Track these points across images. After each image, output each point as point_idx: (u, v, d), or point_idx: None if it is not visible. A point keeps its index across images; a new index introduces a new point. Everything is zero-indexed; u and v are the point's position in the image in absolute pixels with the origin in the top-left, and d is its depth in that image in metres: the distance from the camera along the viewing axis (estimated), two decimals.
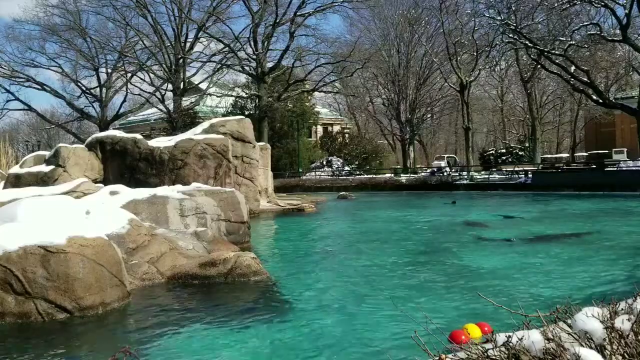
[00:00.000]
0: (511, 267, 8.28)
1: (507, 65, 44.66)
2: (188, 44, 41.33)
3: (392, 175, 37.51)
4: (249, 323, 5.65)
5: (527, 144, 42.57)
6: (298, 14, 37.44)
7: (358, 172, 39.70)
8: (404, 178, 34.13)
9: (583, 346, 2.38)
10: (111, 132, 17.55)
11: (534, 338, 2.42)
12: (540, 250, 9.62)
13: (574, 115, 46.21)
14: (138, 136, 16.28)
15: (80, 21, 41.26)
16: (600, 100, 28.43)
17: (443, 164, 37.98)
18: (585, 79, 27.79)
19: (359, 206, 21.94)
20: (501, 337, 2.53)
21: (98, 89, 43.47)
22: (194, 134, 16.85)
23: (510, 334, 2.50)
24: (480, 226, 13.47)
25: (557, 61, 28.72)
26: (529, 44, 28.39)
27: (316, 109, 47.33)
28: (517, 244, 10.46)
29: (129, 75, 42.87)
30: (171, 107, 40.37)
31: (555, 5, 26.72)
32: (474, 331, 3.66)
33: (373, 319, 5.65)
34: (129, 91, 43.64)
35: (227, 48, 38.88)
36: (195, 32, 40.89)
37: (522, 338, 2.42)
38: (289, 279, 7.93)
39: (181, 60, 40.13)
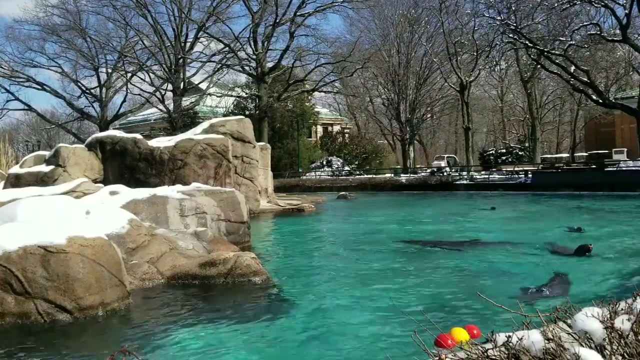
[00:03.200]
0: (512, 267, 8.28)
1: (507, 65, 44.68)
2: (188, 44, 41.33)
3: (392, 175, 37.50)
4: (248, 323, 5.65)
5: (527, 144, 42.59)
6: (298, 14, 37.44)
7: (358, 172, 39.70)
8: (403, 178, 34.12)
9: (583, 346, 2.38)
10: (111, 132, 17.56)
11: (533, 338, 2.42)
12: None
13: (573, 115, 46.22)
14: (138, 136, 16.28)
15: (80, 21, 41.29)
16: (600, 100, 28.44)
17: (443, 164, 37.99)
18: (585, 79, 27.80)
19: (359, 206, 21.94)
20: (501, 337, 2.53)
21: (98, 89, 43.47)
22: (194, 134, 16.85)
23: (510, 334, 2.50)
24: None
25: (557, 61, 28.73)
26: (529, 44, 28.39)
27: (316, 109, 47.34)
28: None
29: (129, 75, 42.87)
30: (171, 107, 40.37)
31: (555, 5, 26.73)
32: (462, 335, 3.62)
33: (373, 319, 5.65)
34: (129, 91, 43.67)
35: (227, 48, 38.89)
36: (195, 32, 40.93)
37: (522, 338, 2.42)
38: (289, 279, 7.93)
39: (181, 60, 40.12)
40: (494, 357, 2.50)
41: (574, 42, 27.57)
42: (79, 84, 43.21)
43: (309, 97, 44.76)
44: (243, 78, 42.97)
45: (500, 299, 4.82)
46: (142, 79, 43.04)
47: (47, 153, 16.68)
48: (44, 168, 15.01)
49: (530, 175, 28.30)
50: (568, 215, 15.43)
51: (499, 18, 29.34)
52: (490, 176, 32.00)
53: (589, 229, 11.97)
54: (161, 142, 16.06)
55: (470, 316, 5.51)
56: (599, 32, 26.43)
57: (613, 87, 38.72)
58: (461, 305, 6.05)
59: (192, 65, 42.70)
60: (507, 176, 31.09)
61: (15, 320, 5.61)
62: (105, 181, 14.48)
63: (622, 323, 2.49)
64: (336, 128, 52.44)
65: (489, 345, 2.60)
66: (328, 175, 38.80)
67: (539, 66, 33.87)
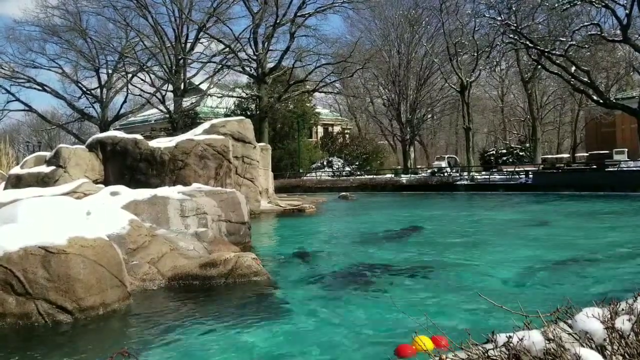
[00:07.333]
0: (514, 268, 8.27)
1: (508, 65, 44.72)
2: (188, 45, 41.37)
3: (393, 175, 37.51)
4: (249, 324, 5.65)
5: (527, 144, 42.56)
6: (298, 14, 37.48)
7: (358, 173, 39.70)
8: (404, 178, 34.13)
9: (583, 346, 2.38)
10: (112, 133, 17.54)
11: (534, 338, 2.42)
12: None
13: (574, 115, 46.21)
14: (139, 137, 16.27)
15: (81, 22, 41.37)
16: (601, 101, 28.42)
17: (444, 164, 37.98)
18: (586, 79, 27.79)
19: (360, 207, 21.94)
20: (502, 338, 2.53)
21: (98, 90, 43.54)
22: (195, 134, 16.85)
23: (511, 334, 2.50)
24: None
25: (557, 61, 28.73)
26: (530, 45, 28.39)
27: (317, 110, 47.37)
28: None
29: (130, 76, 42.92)
30: (172, 107, 40.40)
31: (556, 5, 26.72)
32: (425, 343, 3.55)
33: (373, 320, 5.64)
34: (129, 92, 43.74)
35: (227, 49, 38.91)
36: (196, 32, 40.97)
37: (522, 338, 2.42)
38: (289, 279, 7.92)
39: (182, 61, 40.16)
40: (494, 358, 2.50)
41: (574, 43, 27.56)
42: (79, 84, 43.30)
43: (310, 98, 44.80)
44: (244, 79, 43.07)
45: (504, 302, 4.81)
46: (142, 79, 43.15)
47: (47, 154, 16.66)
48: (45, 169, 15.01)
49: (531, 176, 28.29)
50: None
51: (499, 18, 29.34)
52: (491, 177, 31.97)
53: None
54: (162, 143, 16.05)
55: (469, 317, 5.51)
56: (599, 33, 26.42)
57: (613, 87, 38.70)
58: (464, 305, 6.05)
59: (192, 66, 42.80)
60: (507, 176, 31.06)
61: (16, 321, 5.60)
62: (106, 182, 14.48)
63: (623, 323, 2.49)
64: (337, 129, 52.44)
65: (489, 346, 2.60)
66: (329, 176, 38.80)
67: (539, 66, 33.86)
